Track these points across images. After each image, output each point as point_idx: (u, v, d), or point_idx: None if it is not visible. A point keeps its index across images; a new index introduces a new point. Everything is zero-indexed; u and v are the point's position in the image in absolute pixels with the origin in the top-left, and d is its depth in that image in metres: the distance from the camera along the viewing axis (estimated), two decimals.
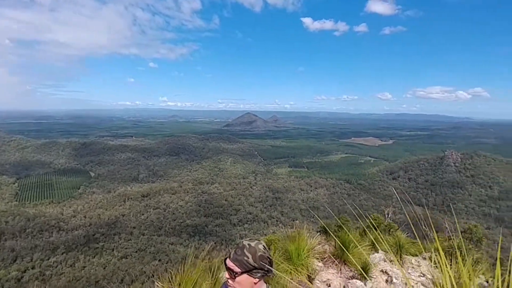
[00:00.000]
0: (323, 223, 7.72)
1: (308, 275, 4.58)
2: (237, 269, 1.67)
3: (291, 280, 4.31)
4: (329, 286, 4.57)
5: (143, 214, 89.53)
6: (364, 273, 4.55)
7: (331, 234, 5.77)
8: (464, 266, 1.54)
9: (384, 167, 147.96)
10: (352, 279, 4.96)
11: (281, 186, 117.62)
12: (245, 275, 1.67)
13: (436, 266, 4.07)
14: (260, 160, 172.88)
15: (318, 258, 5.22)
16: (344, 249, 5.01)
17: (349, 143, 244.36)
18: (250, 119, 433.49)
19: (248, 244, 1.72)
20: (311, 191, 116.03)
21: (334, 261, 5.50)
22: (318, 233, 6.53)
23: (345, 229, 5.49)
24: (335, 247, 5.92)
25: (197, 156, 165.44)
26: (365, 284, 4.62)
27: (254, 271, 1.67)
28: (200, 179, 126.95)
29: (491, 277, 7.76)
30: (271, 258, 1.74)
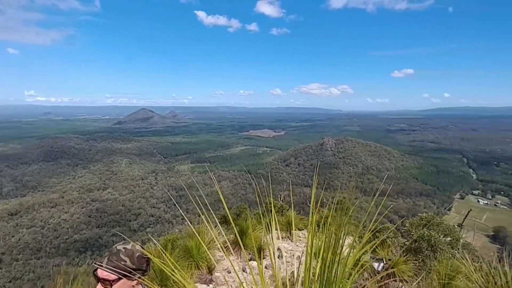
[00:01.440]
0: (226, 213, 7.99)
1: (208, 267, 4.68)
2: (113, 277, 1.56)
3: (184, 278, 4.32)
4: (230, 272, 4.80)
5: (13, 236, 72.38)
6: (258, 254, 4.96)
7: (231, 222, 6.03)
8: (332, 230, 1.79)
9: (279, 155, 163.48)
10: (250, 261, 5.34)
11: (185, 183, 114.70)
12: (122, 280, 1.59)
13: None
14: (160, 159, 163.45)
15: (219, 249, 5.38)
16: (238, 235, 5.33)
17: (248, 136, 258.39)
18: (146, 115, 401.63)
19: (124, 248, 1.64)
20: (214, 184, 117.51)
21: (235, 248, 5.80)
22: (219, 224, 6.71)
23: (249, 215, 5.84)
24: (235, 235, 6.23)
25: (82, 160, 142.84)
26: (260, 263, 5.05)
27: (133, 273, 1.61)
28: (88, 186, 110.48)
29: (358, 236, 9.75)
30: (148, 257, 1.72)
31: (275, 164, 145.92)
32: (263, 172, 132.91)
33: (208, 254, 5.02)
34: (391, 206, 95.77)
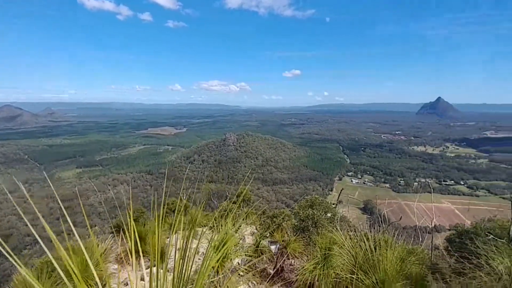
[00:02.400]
0: (120, 221, 7.25)
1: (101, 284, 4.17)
2: None
3: None
4: (127, 285, 4.41)
5: None
6: (159, 258, 4.73)
7: (125, 230, 5.51)
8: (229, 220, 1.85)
9: (181, 153, 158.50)
10: (154, 267, 5.03)
11: (70, 192, 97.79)
12: None
13: (217, 228, 4.93)
14: (34, 165, 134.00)
15: (111, 261, 4.86)
16: (132, 242, 4.95)
17: (147, 134, 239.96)
18: (12, 113, 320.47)
19: None
20: (109, 190, 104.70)
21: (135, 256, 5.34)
22: (113, 234, 6.06)
23: (156, 220, 5.43)
24: (132, 242, 5.73)
25: None
26: (161, 268, 4.84)
27: None
28: None
29: (259, 224, 10.49)
30: None
31: (178, 162, 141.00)
32: (165, 171, 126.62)
33: (101, 269, 4.47)
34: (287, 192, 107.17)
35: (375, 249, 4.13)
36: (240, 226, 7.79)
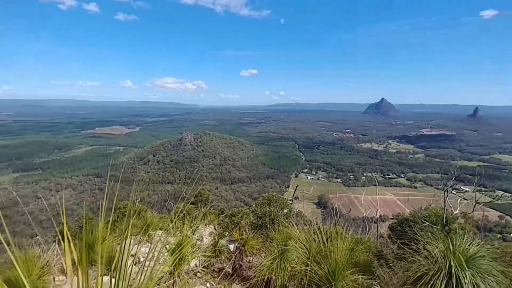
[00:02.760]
0: (65, 229, 6.63)
1: None
2: None
3: None
4: None
5: None
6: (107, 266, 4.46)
7: (70, 238, 5.07)
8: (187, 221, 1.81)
9: (134, 154, 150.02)
10: (106, 276, 4.72)
11: (6, 199, 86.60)
12: None
13: (173, 230, 4.79)
14: None
15: (56, 273, 4.45)
16: (76, 251, 4.60)
17: (94, 134, 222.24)
18: None
19: None
20: (52, 196, 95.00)
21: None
22: (55, 243, 5.53)
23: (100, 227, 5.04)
24: (80, 251, 5.31)
25: None
26: (113, 276, 4.56)
27: None
28: None
29: (218, 223, 10.41)
30: None
31: (131, 164, 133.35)
32: (116, 173, 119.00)
33: (42, 282, 4.07)
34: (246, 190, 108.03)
35: (327, 241, 4.39)
36: (198, 227, 7.65)
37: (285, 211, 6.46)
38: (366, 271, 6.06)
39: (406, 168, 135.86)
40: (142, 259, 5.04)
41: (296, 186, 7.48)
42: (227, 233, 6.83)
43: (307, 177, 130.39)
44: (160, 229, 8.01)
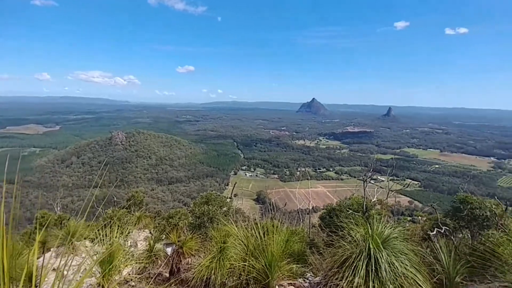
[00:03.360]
0: None
1: None
2: None
3: None
4: None
5: None
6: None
7: None
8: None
9: (54, 156, 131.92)
10: None
11: None
12: None
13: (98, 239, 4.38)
14: None
15: None
16: None
17: (4, 134, 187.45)
18: None
19: None
20: None
21: None
22: None
23: None
24: None
25: None
26: None
27: None
28: None
29: (154, 227, 9.85)
30: None
31: (50, 167, 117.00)
32: (32, 178, 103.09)
33: None
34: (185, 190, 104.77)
35: (264, 235, 4.57)
36: (130, 232, 7.16)
37: (224, 209, 6.48)
38: (300, 259, 6.48)
39: (334, 162, 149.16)
40: (65, 272, 4.49)
41: (235, 184, 7.57)
42: (164, 236, 6.53)
43: (246, 174, 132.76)
44: (86, 238, 7.27)
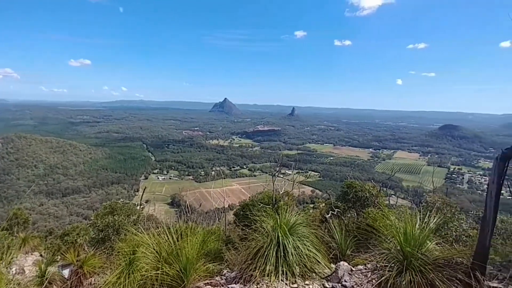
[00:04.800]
0: None
1: None
2: None
3: None
4: None
5: None
6: None
7: None
8: None
9: None
10: None
11: None
12: None
13: None
14: None
15: None
16: None
17: None
18: None
19: None
20: None
21: None
22: None
23: None
24: None
25: None
26: None
27: None
28: None
29: (45, 248, 8.32)
30: None
31: None
32: None
33: None
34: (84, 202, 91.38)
35: (179, 239, 4.46)
36: (14, 257, 5.97)
37: (133, 218, 6.00)
38: (217, 257, 6.58)
39: (247, 160, 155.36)
40: None
41: (144, 189, 7.10)
42: (59, 257, 5.62)
43: (158, 178, 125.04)
44: None
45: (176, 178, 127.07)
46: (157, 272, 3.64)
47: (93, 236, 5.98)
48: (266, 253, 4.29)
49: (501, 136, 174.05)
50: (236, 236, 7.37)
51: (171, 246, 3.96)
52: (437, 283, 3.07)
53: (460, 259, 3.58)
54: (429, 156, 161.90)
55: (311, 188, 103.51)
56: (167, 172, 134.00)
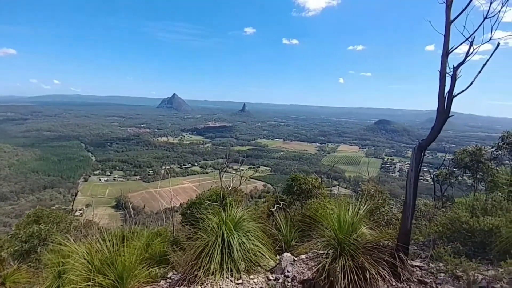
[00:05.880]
0: None
1: None
2: None
3: None
4: None
5: None
6: None
7: None
8: None
9: None
10: None
11: None
12: None
13: None
14: None
15: None
16: None
17: None
18: None
19: None
20: None
21: None
22: None
23: None
24: None
25: None
26: None
27: None
28: None
29: None
30: None
31: None
32: None
33: None
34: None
35: (118, 244, 4.16)
36: None
37: (63, 225, 5.42)
38: (163, 260, 6.34)
39: (198, 157, 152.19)
40: None
41: (76, 193, 6.48)
42: None
43: (100, 180, 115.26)
44: None
45: (122, 179, 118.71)
46: (89, 283, 3.33)
47: (17, 248, 5.28)
48: (210, 251, 4.25)
49: (425, 130, 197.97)
50: (184, 236, 7.18)
51: (105, 254, 3.66)
52: (366, 266, 3.37)
53: (387, 241, 3.97)
54: (367, 149, 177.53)
55: (263, 183, 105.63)
56: (111, 173, 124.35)
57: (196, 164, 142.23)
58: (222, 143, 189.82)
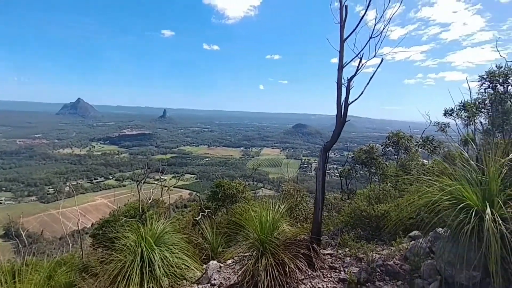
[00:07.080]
0: None
1: None
2: None
3: None
4: None
5: None
6: None
7: None
8: None
9: None
10: None
11: None
12: None
13: None
14: None
15: None
16: None
17: None
18: None
19: None
20: None
21: None
22: None
23: None
24: None
25: None
26: None
27: None
28: None
29: None
30: None
31: None
32: None
33: None
34: None
35: (5, 282, 3.41)
36: None
37: None
38: None
39: (113, 169, 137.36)
40: None
41: None
42: None
43: None
44: None
45: (11, 202, 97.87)
46: None
47: None
48: (128, 272, 3.88)
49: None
50: (96, 260, 6.36)
51: None
52: (286, 261, 3.60)
53: (303, 235, 4.33)
54: (287, 151, 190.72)
55: (188, 191, 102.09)
56: None
57: (111, 177, 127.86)
58: (141, 152, 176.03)
